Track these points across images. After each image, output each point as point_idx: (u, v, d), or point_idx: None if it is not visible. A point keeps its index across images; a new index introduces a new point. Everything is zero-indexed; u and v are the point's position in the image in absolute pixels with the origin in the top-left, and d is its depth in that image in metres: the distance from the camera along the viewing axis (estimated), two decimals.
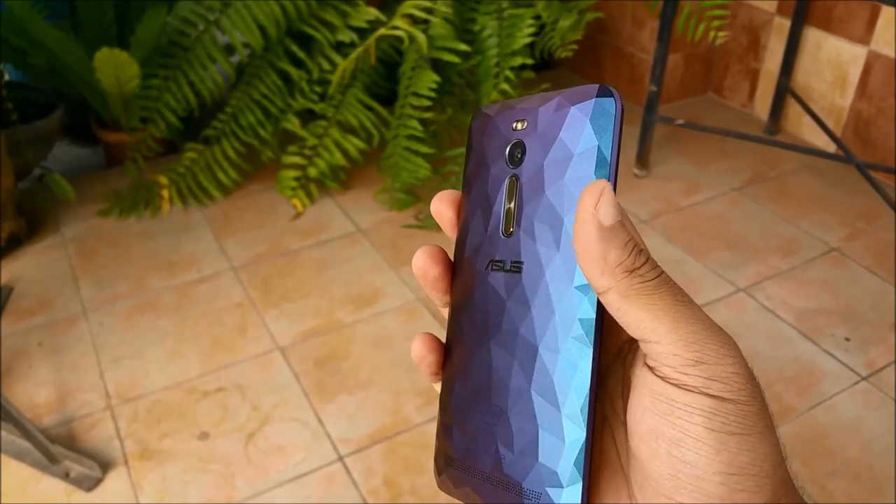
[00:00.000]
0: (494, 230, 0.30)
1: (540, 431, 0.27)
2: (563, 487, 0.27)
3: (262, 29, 1.93)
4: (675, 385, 0.25)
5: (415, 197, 2.00)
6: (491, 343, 0.30)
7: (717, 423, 0.24)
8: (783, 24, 2.25)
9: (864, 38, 2.06)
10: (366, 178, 2.11)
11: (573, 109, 0.28)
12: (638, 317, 0.25)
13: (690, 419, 0.25)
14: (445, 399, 0.33)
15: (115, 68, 1.85)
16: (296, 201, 2.00)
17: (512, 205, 0.30)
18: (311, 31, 1.99)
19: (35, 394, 1.47)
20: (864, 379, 1.49)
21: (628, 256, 0.25)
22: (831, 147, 2.20)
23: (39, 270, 1.80)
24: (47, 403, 1.45)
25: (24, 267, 1.81)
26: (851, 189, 2.05)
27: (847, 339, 1.58)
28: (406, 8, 1.89)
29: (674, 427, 0.25)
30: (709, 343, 0.25)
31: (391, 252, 1.85)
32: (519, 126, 0.30)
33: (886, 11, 1.99)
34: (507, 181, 0.30)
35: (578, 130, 0.28)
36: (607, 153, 0.27)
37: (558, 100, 0.29)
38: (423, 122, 1.94)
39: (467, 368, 0.31)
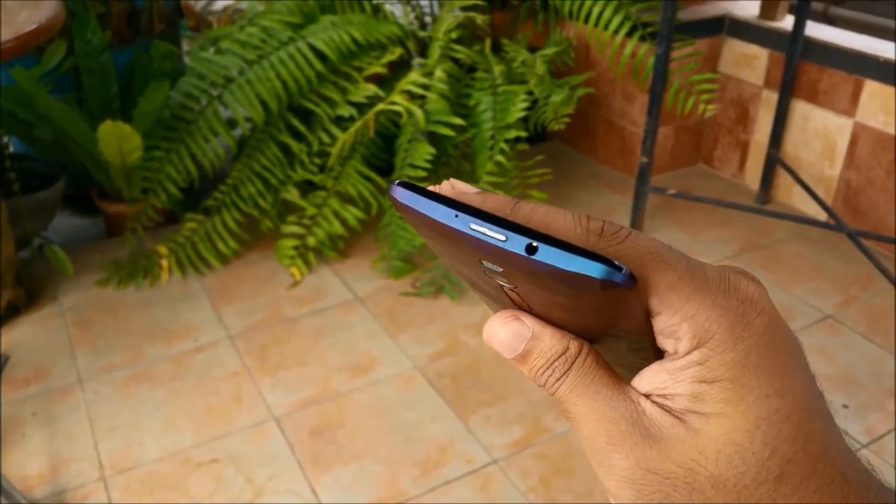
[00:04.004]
0: (504, 301, 0.27)
1: None
2: None
3: (263, 104, 1.98)
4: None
5: (411, 265, 2.02)
6: None
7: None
8: (771, 97, 2.32)
9: (850, 110, 2.12)
10: (363, 247, 2.14)
11: (574, 292, 0.23)
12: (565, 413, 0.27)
13: None
14: None
15: (117, 140, 1.90)
16: (294, 270, 2.02)
17: (517, 298, 0.26)
18: (311, 106, 2.05)
19: (27, 464, 1.45)
20: (864, 447, 1.48)
21: (535, 378, 0.27)
22: (822, 216, 2.24)
23: (36, 339, 1.80)
24: (39, 474, 1.43)
25: (22, 336, 1.81)
26: (843, 257, 2.08)
27: (845, 407, 1.57)
28: (404, 84, 1.95)
29: None
30: (591, 463, 0.26)
31: (388, 320, 1.86)
32: (492, 266, 0.24)
33: (870, 85, 2.05)
34: (502, 288, 0.26)
35: (586, 305, 0.23)
36: (626, 317, 0.24)
37: (546, 276, 0.22)
38: None
39: None
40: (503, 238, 0.22)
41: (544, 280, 0.23)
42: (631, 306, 0.24)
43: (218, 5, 3.52)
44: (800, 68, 2.21)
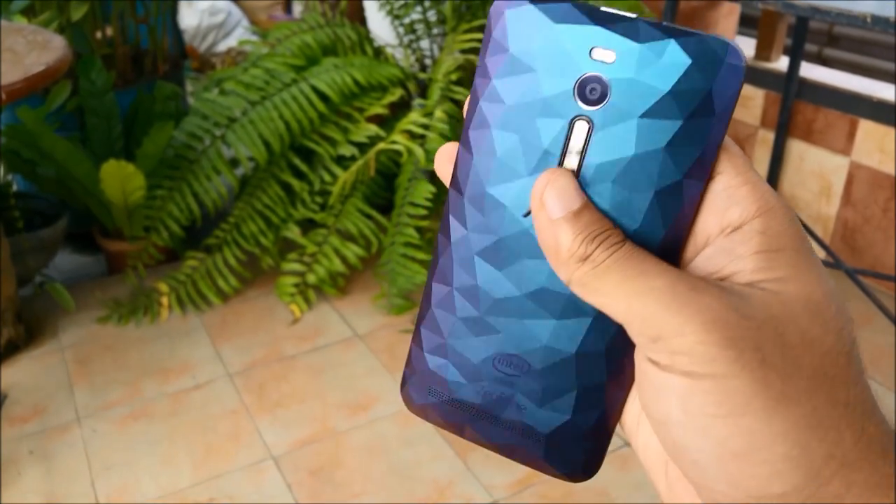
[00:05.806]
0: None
1: (578, 391, 0.27)
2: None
3: (266, 143, 2.01)
4: (652, 363, 0.23)
5: (411, 302, 2.02)
6: (523, 296, 0.26)
7: (694, 403, 0.22)
8: (767, 137, 2.34)
9: (846, 148, 2.14)
10: (364, 284, 2.14)
11: (693, 66, 0.23)
12: (598, 302, 0.24)
13: (669, 400, 0.22)
14: (436, 331, 0.28)
15: (121, 180, 1.92)
16: (294, 307, 2.02)
17: (578, 156, 0.24)
18: (313, 146, 2.07)
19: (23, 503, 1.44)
20: None
21: (579, 246, 0.23)
22: (820, 254, 2.24)
23: (35, 377, 1.80)
24: None
25: (21, 373, 1.80)
26: (842, 294, 2.08)
27: None
28: (404, 124, 1.98)
29: (658, 410, 0.23)
30: (664, 315, 0.22)
31: (388, 357, 1.86)
32: (603, 56, 0.23)
33: (864, 124, 2.08)
34: (572, 122, 0.24)
35: (696, 96, 0.23)
36: (722, 125, 0.24)
37: (671, 45, 0.23)
38: (419, 230, 1.99)
39: (481, 316, 0.27)
40: (634, 16, 0.23)
41: (654, 70, 0.23)
42: (723, 116, 0.24)
43: (221, 47, 3.58)
44: (795, 108, 2.24)
